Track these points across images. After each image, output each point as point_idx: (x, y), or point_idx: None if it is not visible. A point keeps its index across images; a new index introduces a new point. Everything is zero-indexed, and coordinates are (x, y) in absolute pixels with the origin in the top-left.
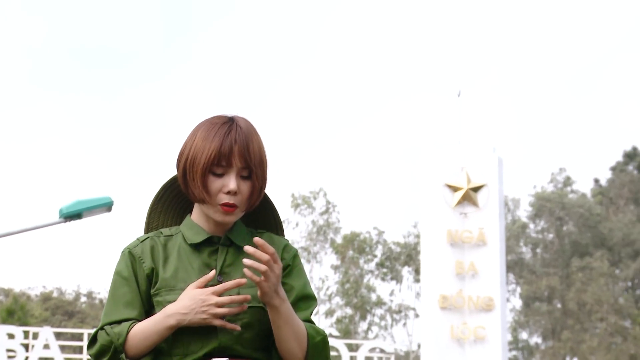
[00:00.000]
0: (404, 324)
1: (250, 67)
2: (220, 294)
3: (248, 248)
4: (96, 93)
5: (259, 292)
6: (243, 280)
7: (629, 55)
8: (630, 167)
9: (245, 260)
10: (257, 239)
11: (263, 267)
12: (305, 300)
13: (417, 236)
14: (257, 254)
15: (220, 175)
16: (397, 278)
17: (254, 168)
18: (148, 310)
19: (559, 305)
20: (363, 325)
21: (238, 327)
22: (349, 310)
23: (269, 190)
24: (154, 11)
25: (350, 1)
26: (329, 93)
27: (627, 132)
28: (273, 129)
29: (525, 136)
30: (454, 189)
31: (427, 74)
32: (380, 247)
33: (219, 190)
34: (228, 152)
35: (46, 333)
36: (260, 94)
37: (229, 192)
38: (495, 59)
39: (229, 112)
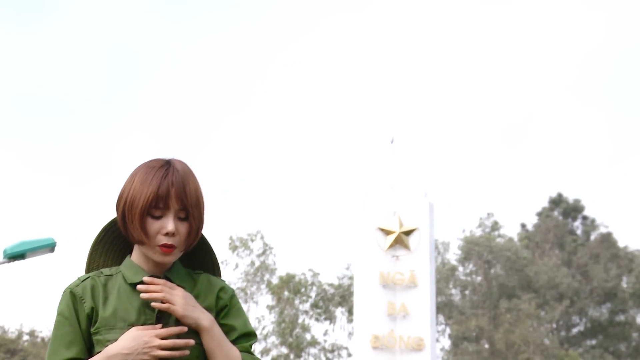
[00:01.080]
0: None
1: (191, 114)
2: (163, 337)
3: (140, 287)
4: (42, 139)
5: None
6: (185, 327)
7: (555, 105)
8: (556, 213)
9: (141, 289)
10: (145, 278)
11: (159, 295)
12: (246, 336)
13: (351, 278)
14: (150, 288)
15: (159, 218)
16: (331, 318)
17: (190, 209)
18: (89, 348)
19: (486, 346)
20: None
21: None
22: (284, 350)
23: (208, 232)
24: (100, 62)
25: (287, 49)
26: (267, 138)
27: (552, 179)
28: (213, 172)
29: (456, 182)
30: (387, 232)
31: (362, 120)
32: (315, 288)
33: (157, 232)
34: (165, 195)
35: None
36: (201, 139)
37: (167, 234)
38: (427, 107)
39: (166, 155)
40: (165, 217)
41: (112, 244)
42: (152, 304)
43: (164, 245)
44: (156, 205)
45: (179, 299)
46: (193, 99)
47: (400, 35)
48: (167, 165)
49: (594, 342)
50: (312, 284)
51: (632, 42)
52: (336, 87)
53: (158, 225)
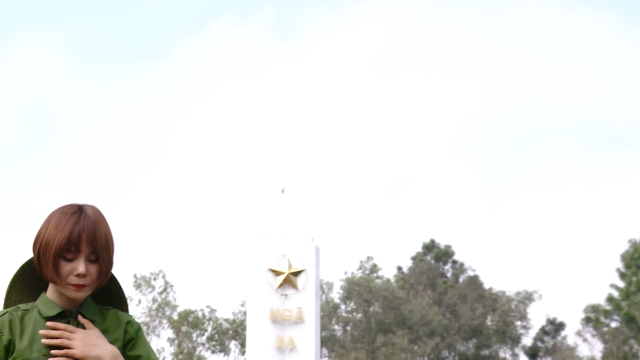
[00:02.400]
0: None
1: (105, 163)
2: None
3: (41, 332)
4: None
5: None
6: (72, 350)
7: (430, 161)
8: (428, 257)
9: (42, 334)
10: (48, 323)
11: (58, 341)
12: None
13: (244, 314)
14: (50, 334)
15: (71, 260)
16: (226, 351)
17: (100, 253)
18: None
19: None
20: None
21: None
22: None
23: (116, 270)
24: (20, 120)
25: (190, 107)
26: (171, 188)
27: (426, 227)
28: (122, 216)
29: (340, 228)
30: (277, 273)
31: (256, 172)
32: (211, 323)
33: (69, 273)
34: (77, 240)
35: None
36: (115, 187)
37: (78, 275)
38: (315, 160)
39: (80, 201)
40: (76, 259)
41: (29, 282)
42: (52, 351)
43: (76, 285)
44: (68, 249)
45: (78, 342)
46: (107, 150)
47: (290, 97)
48: (79, 212)
49: None
50: (209, 319)
51: (504, 111)
52: (234, 144)
53: (70, 267)
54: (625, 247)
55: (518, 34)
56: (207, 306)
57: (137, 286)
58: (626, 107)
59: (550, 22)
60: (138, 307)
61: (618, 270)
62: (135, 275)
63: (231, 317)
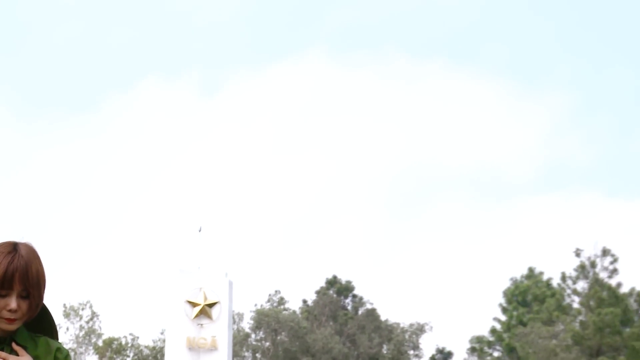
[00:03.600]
0: None
1: (38, 204)
2: None
3: None
4: None
5: None
6: None
7: (334, 203)
8: (331, 292)
9: None
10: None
11: None
12: None
13: (164, 341)
14: None
15: (4, 296)
16: None
17: (31, 290)
18: None
19: None
20: None
21: None
22: None
23: (48, 301)
24: None
25: (112, 149)
26: (98, 227)
27: (329, 264)
28: (53, 251)
29: (251, 264)
30: (193, 304)
31: (176, 214)
32: (133, 349)
33: (2, 307)
34: (10, 278)
35: None
36: (44, 226)
37: (10, 310)
38: (230, 203)
39: (16, 238)
40: (9, 296)
41: None
42: None
43: (8, 318)
44: (2, 286)
45: None
46: (42, 190)
47: (209, 147)
48: (13, 252)
49: None
50: (132, 345)
51: (406, 161)
52: (159, 188)
53: (3, 302)
54: (507, 284)
55: (421, 94)
56: (130, 334)
57: (66, 315)
58: (513, 161)
59: (450, 85)
60: (66, 335)
61: (500, 305)
62: (64, 304)
63: (151, 344)
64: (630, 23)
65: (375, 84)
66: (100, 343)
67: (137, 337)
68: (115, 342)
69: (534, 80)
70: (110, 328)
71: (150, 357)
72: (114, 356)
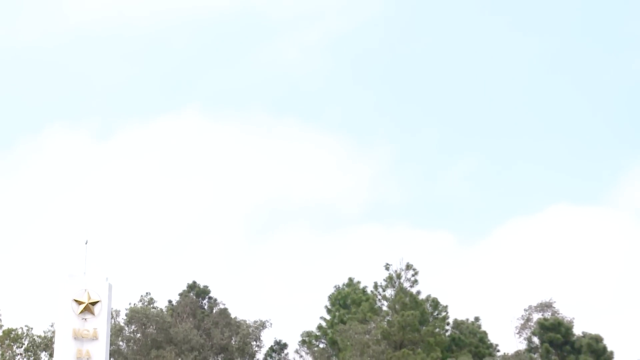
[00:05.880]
0: None
1: None
2: None
3: None
4: None
5: None
6: None
7: (203, 225)
8: (191, 294)
9: None
10: None
11: None
12: None
13: (54, 332)
14: None
15: None
16: None
17: None
18: None
19: None
20: None
21: None
22: None
23: None
24: None
25: (24, 183)
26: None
27: (191, 271)
28: None
29: (127, 271)
30: (79, 302)
31: (69, 231)
32: (28, 338)
33: None
34: None
35: None
36: None
37: None
38: (113, 221)
39: None
40: None
41: None
42: None
43: None
44: None
45: None
46: None
47: (103, 181)
48: None
49: None
50: (27, 335)
51: (260, 197)
52: (55, 210)
53: None
54: (332, 290)
55: (275, 145)
56: (25, 325)
57: None
58: (344, 198)
59: (298, 137)
60: None
61: (326, 307)
62: None
63: (43, 334)
64: (434, 94)
65: (239, 136)
66: (0, 333)
67: (32, 328)
68: (13, 332)
69: (362, 137)
70: (9, 320)
71: (42, 345)
72: (12, 344)
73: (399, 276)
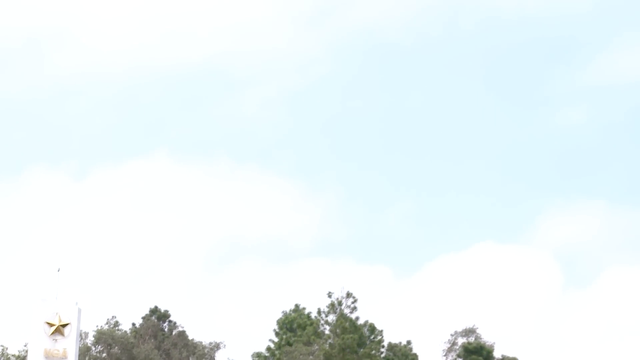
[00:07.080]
0: None
1: None
2: None
3: None
4: None
5: None
6: None
7: (165, 257)
8: (153, 317)
9: None
10: None
11: None
12: None
13: (27, 351)
14: None
15: None
16: None
17: None
18: None
19: None
20: None
21: None
22: None
23: None
24: None
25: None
26: None
27: (152, 297)
28: None
29: (95, 296)
30: (50, 324)
31: (43, 261)
32: (4, 357)
33: None
34: None
35: None
36: None
37: None
38: (83, 253)
39: None
40: None
41: None
42: None
43: None
44: None
45: None
46: None
47: (78, 217)
48: None
49: None
50: (2, 354)
51: (219, 234)
52: (32, 243)
53: None
54: (279, 315)
55: (235, 187)
56: (1, 345)
57: None
58: (296, 235)
59: (257, 181)
60: None
61: (274, 330)
62: None
63: (17, 353)
64: (377, 142)
65: (203, 178)
66: None
67: (7, 348)
68: None
69: (313, 181)
70: None
71: None
72: None
73: (340, 303)
